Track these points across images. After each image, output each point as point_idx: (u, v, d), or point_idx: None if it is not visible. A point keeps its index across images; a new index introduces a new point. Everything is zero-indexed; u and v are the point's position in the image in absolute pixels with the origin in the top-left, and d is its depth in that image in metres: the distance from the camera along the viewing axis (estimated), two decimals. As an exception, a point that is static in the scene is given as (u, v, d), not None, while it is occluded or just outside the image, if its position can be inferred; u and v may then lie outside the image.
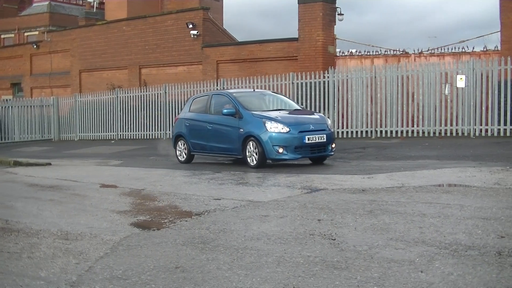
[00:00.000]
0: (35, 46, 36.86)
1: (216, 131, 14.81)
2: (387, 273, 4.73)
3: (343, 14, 24.34)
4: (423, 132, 20.20)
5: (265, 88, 22.17)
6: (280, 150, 13.14)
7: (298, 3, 24.20)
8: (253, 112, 13.97)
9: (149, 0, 38.83)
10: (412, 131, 20.43)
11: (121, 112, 28.93)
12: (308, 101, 22.07)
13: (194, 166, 15.05)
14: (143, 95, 28.13)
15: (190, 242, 6.14)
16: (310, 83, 22.20)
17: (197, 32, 28.20)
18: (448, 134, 19.67)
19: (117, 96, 29.06)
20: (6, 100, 33.92)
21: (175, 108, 26.47)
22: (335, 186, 9.76)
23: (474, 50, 21.29)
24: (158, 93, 27.47)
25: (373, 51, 23.41)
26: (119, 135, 29.07)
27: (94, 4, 39.79)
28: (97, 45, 32.99)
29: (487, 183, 9.06)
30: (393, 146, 17.20)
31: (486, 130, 19.03)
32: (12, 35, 50.16)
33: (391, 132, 20.79)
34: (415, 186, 9.19)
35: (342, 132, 21.62)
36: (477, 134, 19.03)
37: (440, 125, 19.90)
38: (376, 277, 4.65)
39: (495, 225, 6.15)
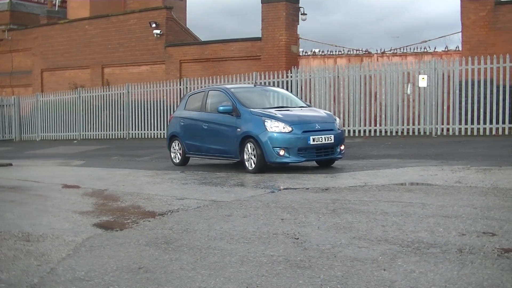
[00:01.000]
0: (-5, 45, 36.32)
1: (212, 130, 13.55)
2: (350, 271, 4.75)
3: (306, 14, 24.46)
4: (386, 132, 20.37)
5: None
6: (281, 153, 11.77)
7: (261, 3, 24.22)
8: (252, 109, 12.63)
9: (112, -1, 38.49)
10: (375, 131, 20.59)
11: (84, 112, 28.71)
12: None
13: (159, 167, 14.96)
14: (106, 94, 27.94)
15: (153, 242, 6.11)
16: (273, 82, 22.22)
17: (160, 32, 28.05)
18: (411, 133, 19.87)
19: (80, 96, 28.82)
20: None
21: (138, 108, 26.38)
22: (298, 185, 9.78)
23: (436, 50, 21.54)
24: (121, 93, 27.32)
25: (336, 51, 23.54)
26: (81, 135, 28.82)
27: (56, 2, 39.23)
28: (59, 44, 32.61)
29: (449, 182, 9.16)
30: (356, 145, 17.29)
31: (448, 129, 19.26)
32: (-28, 34, 49.30)
33: (354, 131, 20.92)
34: (378, 185, 9.26)
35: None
36: (438, 133, 19.26)
37: (403, 125, 20.09)
38: (340, 275, 4.66)
39: (456, 223, 6.22)
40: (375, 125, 20.64)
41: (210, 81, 23.88)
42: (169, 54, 27.92)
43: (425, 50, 21.72)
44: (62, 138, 29.53)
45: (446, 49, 21.40)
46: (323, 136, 11.99)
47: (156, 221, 7.28)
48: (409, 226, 6.18)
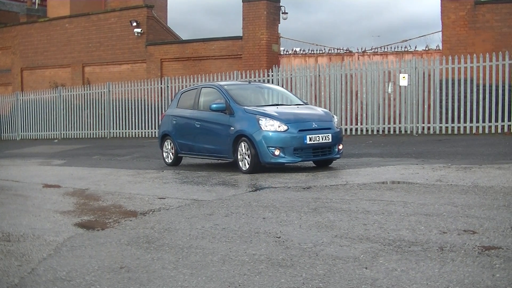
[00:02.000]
0: (-26, 43, 35.98)
1: (204, 129, 13.06)
2: (332, 270, 4.76)
3: (287, 13, 24.49)
4: (367, 130, 20.44)
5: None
6: (276, 152, 11.28)
7: (242, 2, 24.22)
8: (245, 107, 12.15)
9: (92, -3, 38.29)
10: (356, 129, 20.65)
11: (64, 111, 28.53)
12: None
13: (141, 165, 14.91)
14: (87, 93, 27.79)
15: (135, 241, 6.09)
16: (254, 81, 22.20)
17: (141, 30, 27.95)
18: (391, 132, 19.95)
19: (60, 95, 28.63)
20: None
21: (119, 107, 26.28)
22: (280, 184, 9.79)
23: (416, 49, 21.64)
24: (101, 92, 27.19)
25: (317, 50, 23.59)
26: (62, 134, 28.65)
27: (35, 0, 38.95)
28: (39, 43, 32.39)
29: (430, 180, 9.21)
30: (337, 144, 17.29)
31: (428, 128, 19.35)
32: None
33: (335, 130, 20.92)
34: (359, 183, 9.29)
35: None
36: (419, 132, 19.35)
37: (384, 123, 20.16)
38: (321, 274, 4.67)
39: (437, 221, 6.26)
40: (356, 124, 20.70)
41: (191, 80, 23.83)
42: (150, 53, 27.82)
43: (406, 49, 21.83)
44: (43, 137, 29.33)
45: (426, 48, 21.51)
46: (320, 135, 11.54)
47: (137, 220, 7.26)
48: (390, 224, 6.21)
